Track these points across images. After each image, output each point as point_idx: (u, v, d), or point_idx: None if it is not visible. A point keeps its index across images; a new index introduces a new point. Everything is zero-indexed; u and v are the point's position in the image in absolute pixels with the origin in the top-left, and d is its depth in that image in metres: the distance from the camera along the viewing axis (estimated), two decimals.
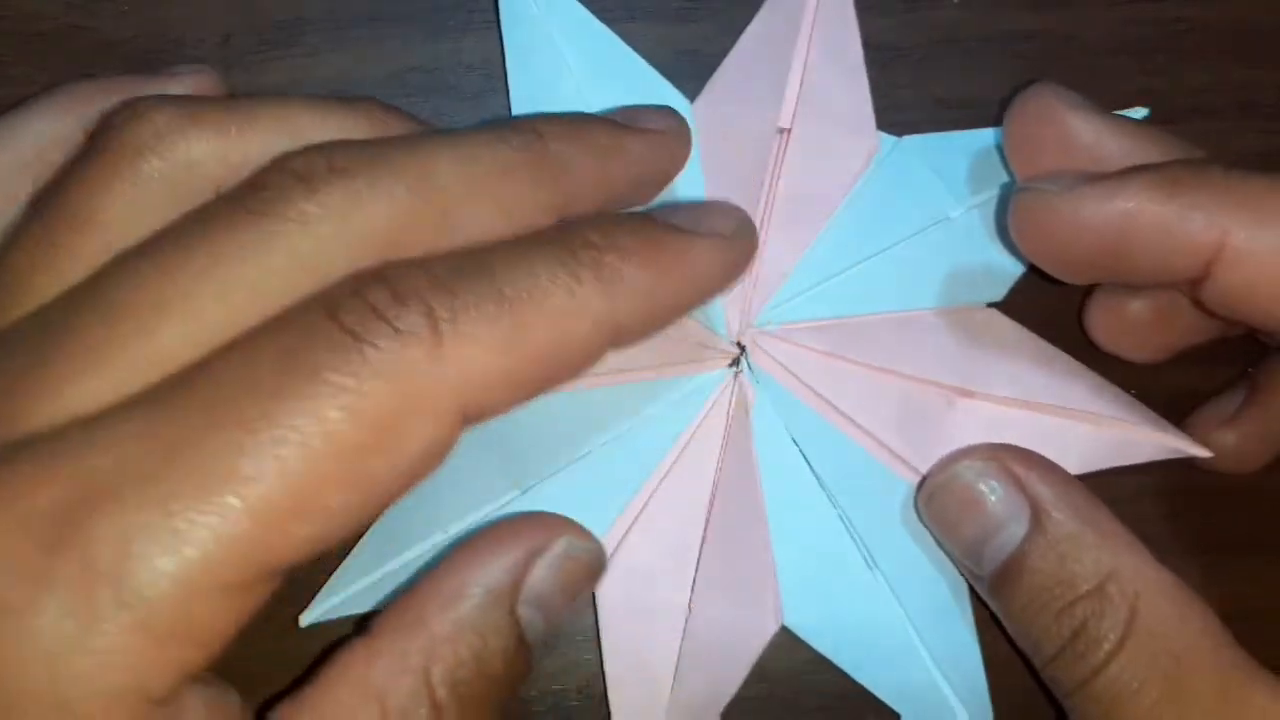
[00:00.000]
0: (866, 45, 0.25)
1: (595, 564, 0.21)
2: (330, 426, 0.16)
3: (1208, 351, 0.24)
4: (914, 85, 0.26)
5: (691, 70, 0.25)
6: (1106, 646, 0.20)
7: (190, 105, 0.19)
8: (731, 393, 0.24)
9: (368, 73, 0.25)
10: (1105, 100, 0.22)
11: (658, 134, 0.22)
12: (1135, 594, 0.20)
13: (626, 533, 0.24)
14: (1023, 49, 0.26)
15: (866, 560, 0.24)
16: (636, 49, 0.25)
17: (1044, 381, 0.23)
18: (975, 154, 0.25)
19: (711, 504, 0.24)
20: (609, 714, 0.23)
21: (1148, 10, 0.26)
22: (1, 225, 0.20)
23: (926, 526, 0.23)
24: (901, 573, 0.23)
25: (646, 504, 0.24)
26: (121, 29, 0.25)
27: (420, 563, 0.23)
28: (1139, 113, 0.25)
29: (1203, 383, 0.24)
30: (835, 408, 0.24)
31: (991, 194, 0.24)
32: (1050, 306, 0.24)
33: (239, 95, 0.22)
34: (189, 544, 0.16)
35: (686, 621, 0.23)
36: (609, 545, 0.24)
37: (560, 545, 0.20)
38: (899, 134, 0.25)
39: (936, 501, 0.23)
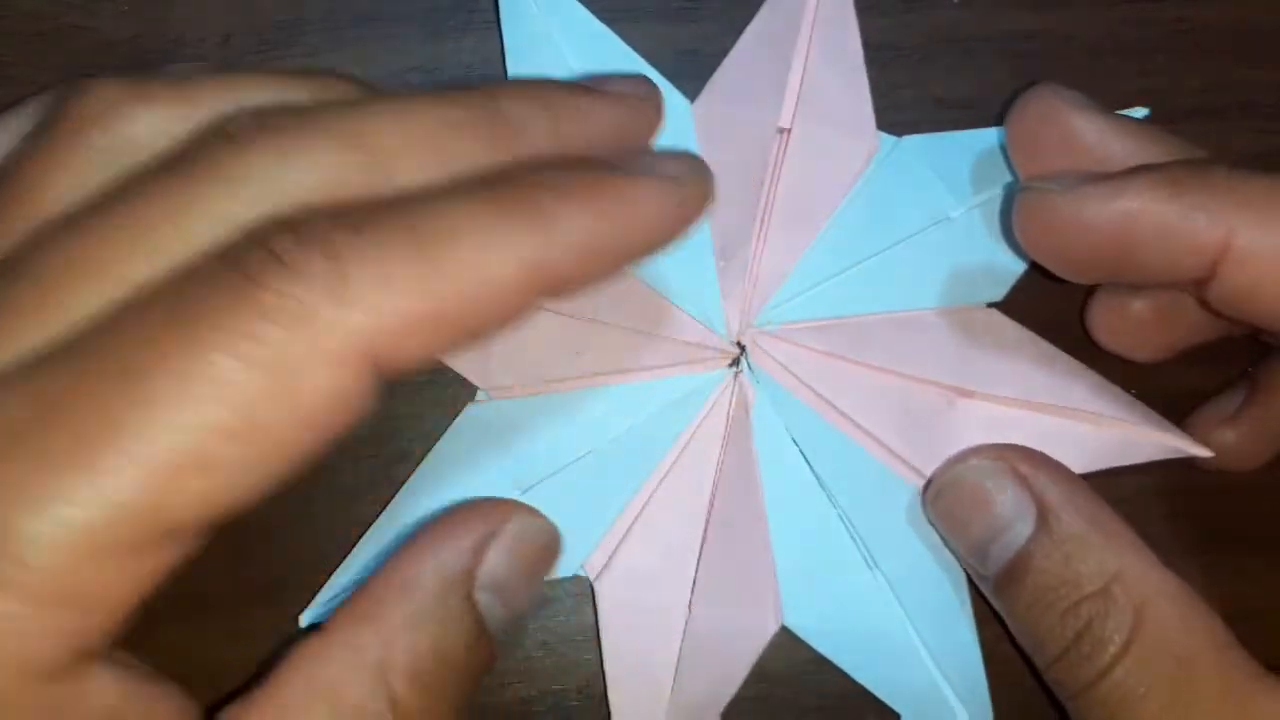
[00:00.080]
0: (866, 45, 0.25)
1: (550, 545, 0.20)
2: (220, 374, 0.15)
3: (1208, 351, 0.24)
4: (914, 85, 0.26)
5: (691, 70, 0.25)
6: (1112, 649, 0.20)
7: (137, 81, 0.19)
8: (731, 393, 0.24)
9: (367, 73, 0.25)
10: (1105, 100, 0.22)
11: (620, 96, 0.21)
12: (1141, 596, 0.20)
13: (626, 533, 0.24)
14: (1023, 49, 0.26)
15: (866, 560, 0.24)
16: (636, 49, 0.25)
17: (1044, 381, 0.23)
18: (975, 154, 0.25)
19: (711, 504, 0.24)
20: (609, 714, 0.23)
21: (1148, 10, 0.26)
22: None
23: (932, 524, 0.23)
24: (902, 573, 0.23)
25: (646, 504, 0.24)
26: (121, 29, 0.25)
27: None
28: (1139, 113, 0.25)
29: (1203, 383, 0.24)
30: (835, 408, 0.24)
31: (992, 194, 0.24)
32: (1051, 306, 0.24)
33: (191, 71, 0.21)
34: (70, 503, 0.15)
35: (686, 622, 0.23)
36: (609, 545, 0.24)
37: (512, 528, 0.19)
38: (899, 134, 0.25)
39: (944, 499, 0.23)
